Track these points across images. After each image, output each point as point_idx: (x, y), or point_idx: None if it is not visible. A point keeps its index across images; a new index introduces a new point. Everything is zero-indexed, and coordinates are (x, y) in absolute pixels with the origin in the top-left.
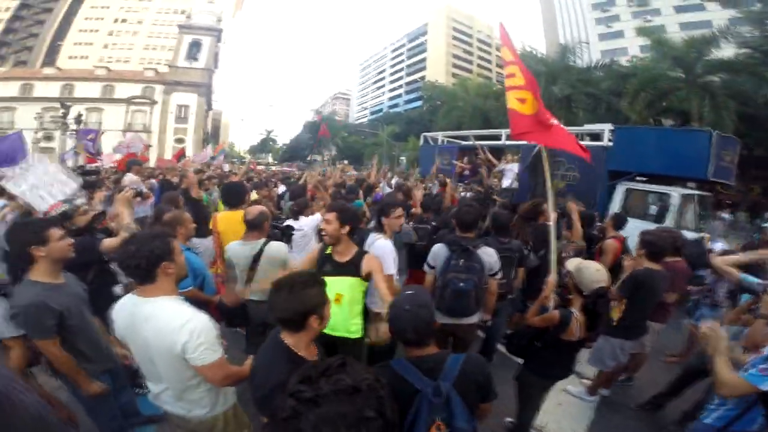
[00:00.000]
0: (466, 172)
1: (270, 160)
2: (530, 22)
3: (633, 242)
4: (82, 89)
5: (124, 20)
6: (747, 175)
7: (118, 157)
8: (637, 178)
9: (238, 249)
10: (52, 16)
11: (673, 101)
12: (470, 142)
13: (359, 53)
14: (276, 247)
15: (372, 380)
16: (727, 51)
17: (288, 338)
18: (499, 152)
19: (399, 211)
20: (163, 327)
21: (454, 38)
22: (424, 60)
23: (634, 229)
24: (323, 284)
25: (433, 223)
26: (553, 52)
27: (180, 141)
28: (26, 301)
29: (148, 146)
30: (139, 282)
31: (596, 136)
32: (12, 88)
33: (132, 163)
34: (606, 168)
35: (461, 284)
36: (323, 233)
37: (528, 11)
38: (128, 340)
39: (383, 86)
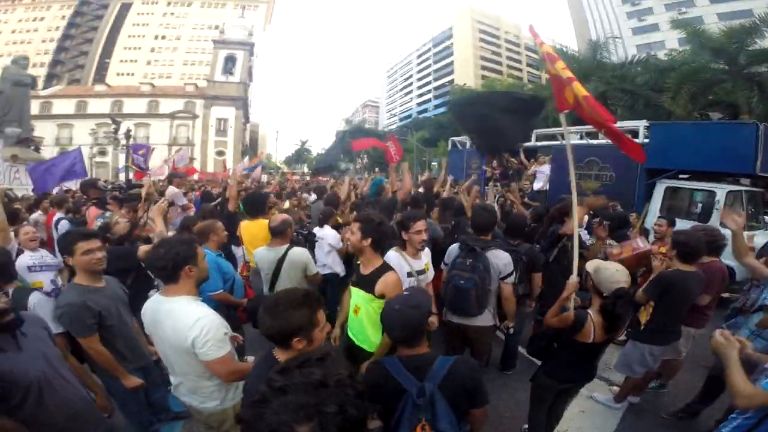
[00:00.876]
0: (497, 175)
1: (306, 170)
2: (559, 20)
3: None
4: (130, 105)
5: (163, 37)
6: None
7: (166, 171)
8: (680, 176)
9: (264, 254)
10: (98, 33)
11: (718, 94)
12: None
13: (386, 60)
14: (298, 252)
15: (343, 377)
16: None
17: (280, 355)
18: (530, 153)
19: (420, 224)
20: (179, 323)
21: (481, 40)
22: (451, 64)
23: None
24: (315, 305)
25: (453, 223)
26: (584, 49)
27: (221, 154)
28: (68, 301)
29: (191, 159)
30: (165, 282)
31: (631, 134)
32: (69, 106)
33: (173, 176)
34: (643, 166)
35: (461, 282)
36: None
37: (556, 9)
38: (153, 336)
39: (411, 92)
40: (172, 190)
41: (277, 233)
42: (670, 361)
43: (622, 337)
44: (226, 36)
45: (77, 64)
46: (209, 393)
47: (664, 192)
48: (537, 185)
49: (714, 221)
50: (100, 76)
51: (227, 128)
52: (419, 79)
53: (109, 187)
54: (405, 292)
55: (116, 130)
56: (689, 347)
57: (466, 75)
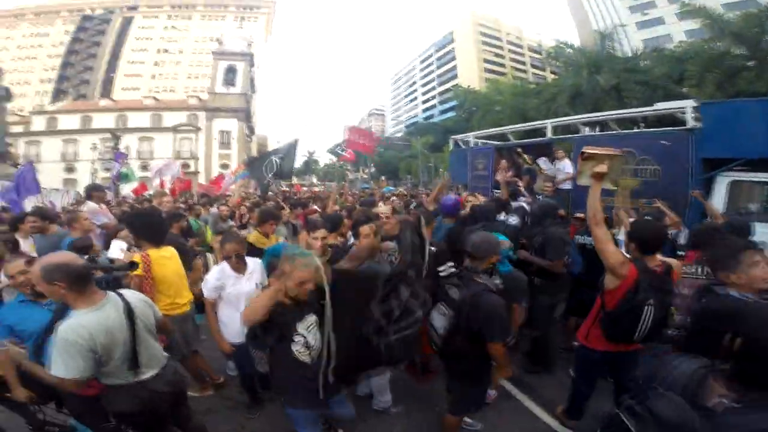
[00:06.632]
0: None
1: (314, 180)
2: (560, 21)
3: None
4: (134, 119)
5: (166, 50)
6: None
7: (159, 182)
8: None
9: None
10: (101, 48)
11: (740, 84)
12: (509, 141)
13: (390, 67)
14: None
15: None
16: None
17: None
18: (545, 148)
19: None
20: None
21: (483, 43)
22: (454, 68)
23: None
24: None
25: None
26: (590, 44)
27: (225, 167)
28: None
29: (190, 172)
30: None
31: (674, 119)
32: (74, 121)
33: (91, 189)
34: (697, 156)
35: None
36: None
37: (556, 9)
38: None
39: (415, 98)
40: (90, 206)
41: None
42: None
43: None
44: (225, 47)
45: (83, 80)
46: None
47: (728, 187)
48: (565, 185)
49: None
50: (106, 90)
51: (230, 140)
52: (423, 85)
53: None
54: None
55: (116, 145)
56: None
57: (471, 78)
